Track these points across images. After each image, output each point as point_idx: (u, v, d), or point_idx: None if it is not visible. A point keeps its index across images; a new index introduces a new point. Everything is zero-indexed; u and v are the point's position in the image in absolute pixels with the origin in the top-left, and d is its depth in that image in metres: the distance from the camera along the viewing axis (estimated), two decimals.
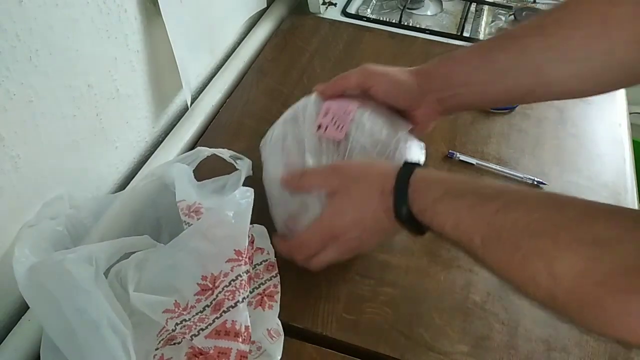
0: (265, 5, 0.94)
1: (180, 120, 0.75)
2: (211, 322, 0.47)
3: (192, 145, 0.73)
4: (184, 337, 0.47)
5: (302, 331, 0.55)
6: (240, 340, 0.46)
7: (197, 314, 0.47)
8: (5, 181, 0.49)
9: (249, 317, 0.47)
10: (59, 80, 0.52)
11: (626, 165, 0.73)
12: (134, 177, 0.67)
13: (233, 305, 0.47)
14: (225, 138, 0.74)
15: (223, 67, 0.84)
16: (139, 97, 0.66)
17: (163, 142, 0.71)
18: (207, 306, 0.47)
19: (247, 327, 0.46)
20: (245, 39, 0.90)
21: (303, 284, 0.58)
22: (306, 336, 0.54)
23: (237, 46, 0.88)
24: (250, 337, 0.47)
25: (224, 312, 0.47)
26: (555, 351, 0.54)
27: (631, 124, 0.82)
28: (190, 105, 0.75)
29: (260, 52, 0.89)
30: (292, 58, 0.87)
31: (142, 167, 0.68)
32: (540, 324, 0.56)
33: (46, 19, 0.49)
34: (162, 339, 0.48)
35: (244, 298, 0.47)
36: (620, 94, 0.85)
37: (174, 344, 0.48)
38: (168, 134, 0.73)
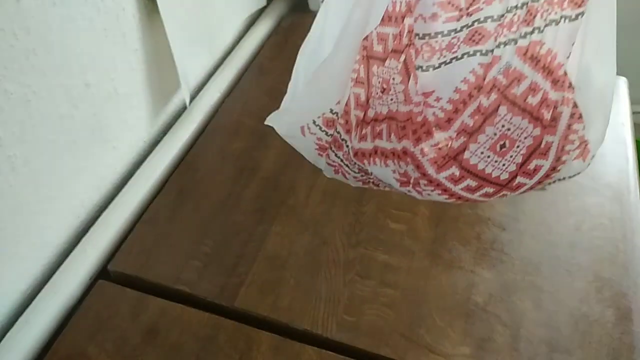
0: (264, 4, 0.93)
1: (179, 120, 0.74)
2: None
3: (191, 145, 0.72)
4: None
5: (301, 333, 0.54)
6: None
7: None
8: (3, 181, 0.49)
9: None
10: (56, 80, 0.52)
11: (629, 165, 0.73)
12: (131, 177, 0.67)
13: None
14: (224, 137, 0.73)
15: (222, 65, 0.83)
16: (137, 96, 0.66)
17: (161, 142, 0.71)
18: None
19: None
20: (245, 37, 0.89)
21: (303, 285, 0.57)
22: (306, 338, 0.54)
23: (237, 45, 0.88)
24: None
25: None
26: (558, 353, 0.53)
27: (634, 123, 0.81)
28: (189, 104, 0.75)
29: (259, 50, 0.88)
30: (292, 56, 0.86)
31: (140, 167, 0.68)
32: (543, 326, 0.55)
33: (44, 17, 0.48)
34: None
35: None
36: (624, 94, 0.85)
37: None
38: (166, 133, 0.72)
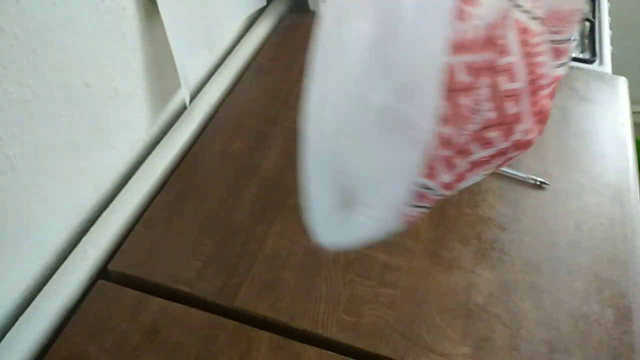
0: (264, 3, 0.93)
1: (179, 120, 0.74)
2: None
3: (191, 145, 0.72)
4: None
5: (302, 333, 0.54)
6: None
7: None
8: (2, 181, 0.49)
9: None
10: (56, 80, 0.52)
11: (629, 165, 0.73)
12: (131, 177, 0.66)
13: None
14: (224, 137, 0.73)
15: (222, 65, 0.83)
16: (137, 96, 0.66)
17: (161, 142, 0.71)
18: None
19: None
20: (245, 37, 0.89)
21: (303, 285, 0.57)
22: (306, 338, 0.54)
23: (236, 44, 0.88)
24: None
25: None
26: (558, 353, 0.53)
27: (634, 123, 0.81)
28: (189, 104, 0.75)
29: (259, 50, 0.88)
30: (292, 56, 0.87)
31: (140, 166, 0.68)
32: (543, 326, 0.55)
33: (44, 17, 0.48)
34: None
35: None
36: (624, 93, 0.85)
37: None
38: (166, 133, 0.72)
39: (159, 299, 0.56)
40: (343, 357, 0.52)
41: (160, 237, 0.61)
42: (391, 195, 0.39)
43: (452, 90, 0.36)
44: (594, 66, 0.94)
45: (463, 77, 0.36)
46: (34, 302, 0.55)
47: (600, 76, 0.88)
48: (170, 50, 0.66)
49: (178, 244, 0.61)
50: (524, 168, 0.71)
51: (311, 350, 0.53)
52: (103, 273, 0.59)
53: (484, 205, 0.66)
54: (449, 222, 0.64)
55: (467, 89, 0.36)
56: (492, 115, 0.37)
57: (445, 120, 0.36)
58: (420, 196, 0.40)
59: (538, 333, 0.55)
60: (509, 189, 0.69)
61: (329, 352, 0.53)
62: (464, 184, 0.41)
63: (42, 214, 0.55)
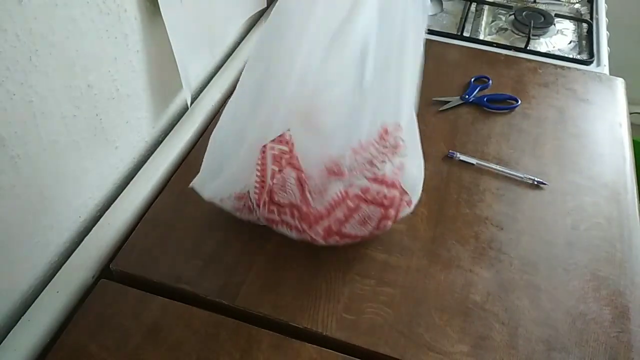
0: (265, 6, 0.94)
1: (180, 120, 0.75)
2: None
3: (192, 146, 0.73)
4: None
5: (301, 331, 0.55)
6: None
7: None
8: (5, 181, 0.49)
9: None
10: (58, 80, 0.52)
11: (626, 165, 0.73)
12: (133, 177, 0.67)
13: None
14: None
15: (223, 67, 0.84)
16: (138, 97, 0.66)
17: (163, 142, 0.71)
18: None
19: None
20: (245, 38, 0.90)
21: (303, 283, 0.58)
22: (306, 336, 0.54)
23: (237, 46, 0.88)
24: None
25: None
26: (556, 351, 0.54)
27: (631, 123, 0.82)
28: (190, 105, 0.75)
29: None
30: None
31: (141, 167, 0.68)
32: (541, 324, 0.56)
33: (46, 18, 0.49)
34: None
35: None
36: (621, 94, 0.85)
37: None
38: (168, 134, 0.73)
39: (160, 298, 0.56)
40: (343, 355, 0.53)
41: (162, 237, 0.62)
42: (225, 191, 0.59)
43: (289, 164, 0.54)
44: (592, 67, 0.94)
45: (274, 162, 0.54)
46: (36, 301, 0.55)
47: (597, 77, 0.89)
48: (171, 52, 0.67)
49: (180, 243, 0.61)
50: (522, 168, 0.71)
51: (311, 348, 0.53)
52: (105, 272, 0.60)
53: (482, 205, 0.67)
54: (447, 222, 0.64)
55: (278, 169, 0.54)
56: (298, 204, 0.55)
57: (273, 174, 0.55)
58: (247, 208, 0.59)
59: (536, 331, 0.55)
60: (506, 188, 0.69)
61: (329, 350, 0.53)
62: (280, 230, 0.58)
63: (45, 213, 0.55)
